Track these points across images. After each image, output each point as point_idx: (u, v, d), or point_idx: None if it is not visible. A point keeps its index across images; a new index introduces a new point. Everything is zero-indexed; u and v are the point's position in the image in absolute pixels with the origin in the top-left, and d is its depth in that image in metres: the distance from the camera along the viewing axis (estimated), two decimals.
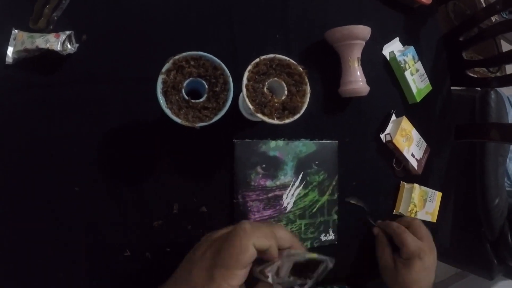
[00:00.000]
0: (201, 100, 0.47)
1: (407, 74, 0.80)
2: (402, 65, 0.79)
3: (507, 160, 1.54)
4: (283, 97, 0.50)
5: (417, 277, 0.67)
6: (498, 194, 1.37)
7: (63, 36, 0.54)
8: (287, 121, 0.50)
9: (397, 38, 0.83)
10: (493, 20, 1.86)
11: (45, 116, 0.55)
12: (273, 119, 0.49)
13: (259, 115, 0.48)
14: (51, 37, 0.54)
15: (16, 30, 0.55)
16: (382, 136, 0.77)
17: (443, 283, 2.33)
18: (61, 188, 0.54)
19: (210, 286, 0.39)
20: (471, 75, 1.14)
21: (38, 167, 0.54)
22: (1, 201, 0.52)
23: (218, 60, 0.47)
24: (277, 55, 0.49)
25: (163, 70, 0.45)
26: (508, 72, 1.23)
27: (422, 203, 0.82)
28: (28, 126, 0.54)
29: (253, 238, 0.40)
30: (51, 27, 0.56)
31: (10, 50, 0.54)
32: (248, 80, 0.48)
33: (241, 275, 0.40)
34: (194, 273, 0.41)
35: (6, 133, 0.53)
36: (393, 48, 0.81)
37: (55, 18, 0.57)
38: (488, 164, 1.36)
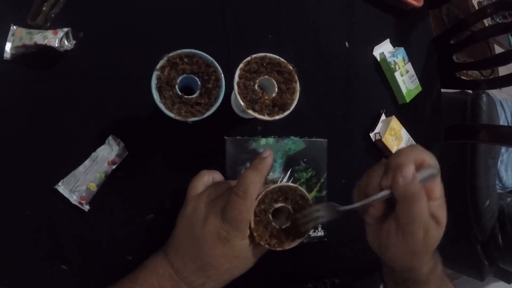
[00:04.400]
0: (193, 96, 0.49)
1: (397, 74, 0.81)
2: (392, 66, 0.81)
3: (498, 162, 1.56)
4: (274, 94, 0.52)
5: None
6: (489, 196, 1.39)
7: (60, 33, 0.55)
8: (277, 117, 0.51)
9: (388, 40, 0.85)
10: (486, 24, 1.89)
11: (41, 111, 0.56)
12: (264, 115, 0.51)
13: (250, 111, 0.50)
14: (49, 33, 0.55)
15: (14, 26, 0.56)
16: (371, 135, 0.79)
17: None
18: (54, 182, 0.55)
19: (226, 247, 0.45)
20: (463, 77, 1.16)
21: (33, 161, 0.55)
22: None
23: (210, 58, 0.49)
24: (268, 54, 0.51)
25: (158, 66, 0.47)
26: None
27: None
28: (25, 120, 0.56)
29: (253, 195, 0.45)
30: (48, 24, 0.58)
31: (8, 46, 0.55)
32: (240, 77, 0.50)
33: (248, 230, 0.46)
34: (204, 239, 0.46)
35: (3, 127, 0.55)
36: (383, 49, 0.83)
37: (53, 15, 0.58)
38: (479, 165, 1.38)
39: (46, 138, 0.56)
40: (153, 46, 0.61)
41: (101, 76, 0.60)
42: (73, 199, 0.55)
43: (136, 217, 0.59)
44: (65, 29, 0.56)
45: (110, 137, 0.58)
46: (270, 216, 0.49)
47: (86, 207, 0.56)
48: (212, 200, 0.48)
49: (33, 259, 0.55)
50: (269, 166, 0.47)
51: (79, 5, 0.59)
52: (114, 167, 0.58)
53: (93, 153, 0.57)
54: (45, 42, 0.54)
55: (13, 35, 0.56)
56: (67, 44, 0.57)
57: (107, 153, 0.57)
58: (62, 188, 0.55)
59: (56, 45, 0.54)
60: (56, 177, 0.55)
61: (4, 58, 0.55)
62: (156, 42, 0.62)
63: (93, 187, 0.56)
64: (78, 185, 0.56)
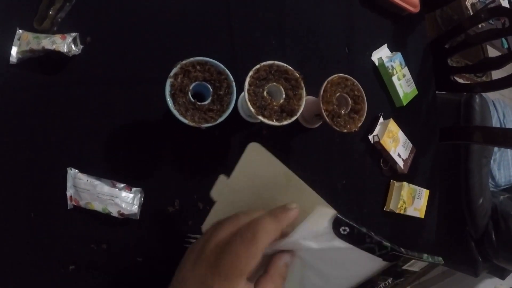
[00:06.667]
0: (206, 102, 0.50)
1: (394, 79, 0.83)
2: (390, 71, 0.83)
3: (491, 161, 1.58)
4: (281, 101, 0.53)
5: None
6: (482, 194, 1.41)
7: (69, 38, 0.55)
8: (285, 122, 0.53)
9: (386, 45, 0.87)
10: (480, 27, 1.92)
11: (48, 116, 0.57)
12: (272, 120, 0.52)
13: (260, 117, 0.51)
14: (57, 38, 0.55)
15: (20, 30, 0.56)
16: (370, 137, 0.81)
17: (430, 281, 2.37)
18: (62, 187, 0.56)
19: None
20: (457, 79, 1.18)
21: (39, 166, 0.56)
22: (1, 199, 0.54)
23: (222, 66, 0.50)
24: (276, 62, 0.52)
25: (171, 74, 0.48)
26: (494, 77, 1.28)
27: (410, 200, 0.86)
28: (32, 125, 0.56)
29: (261, 244, 0.34)
30: (55, 29, 0.58)
31: (14, 50, 0.55)
32: (250, 84, 0.51)
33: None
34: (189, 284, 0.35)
35: (8, 131, 0.55)
36: (381, 54, 0.85)
37: (59, 19, 0.58)
38: (472, 165, 1.40)
39: (53, 143, 0.56)
40: (160, 51, 0.62)
41: (108, 81, 0.60)
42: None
43: (145, 219, 0.60)
44: (73, 34, 0.56)
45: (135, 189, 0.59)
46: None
47: None
48: (218, 234, 0.37)
49: (41, 260, 0.55)
50: (290, 220, 0.36)
51: (85, 10, 0.60)
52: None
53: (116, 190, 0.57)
54: (54, 47, 0.54)
55: (19, 39, 0.56)
56: (75, 49, 0.57)
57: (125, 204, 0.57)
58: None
59: (65, 50, 0.55)
60: (62, 181, 0.56)
61: (10, 63, 0.55)
62: (163, 48, 0.63)
63: None
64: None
